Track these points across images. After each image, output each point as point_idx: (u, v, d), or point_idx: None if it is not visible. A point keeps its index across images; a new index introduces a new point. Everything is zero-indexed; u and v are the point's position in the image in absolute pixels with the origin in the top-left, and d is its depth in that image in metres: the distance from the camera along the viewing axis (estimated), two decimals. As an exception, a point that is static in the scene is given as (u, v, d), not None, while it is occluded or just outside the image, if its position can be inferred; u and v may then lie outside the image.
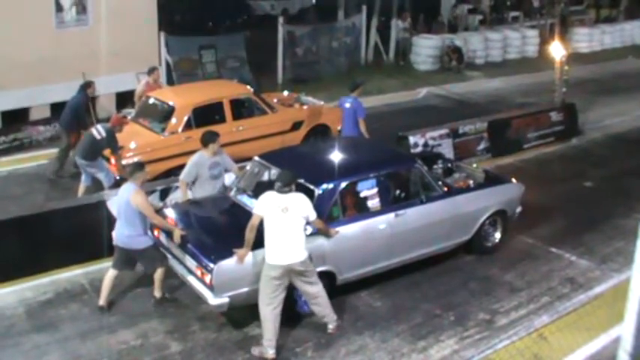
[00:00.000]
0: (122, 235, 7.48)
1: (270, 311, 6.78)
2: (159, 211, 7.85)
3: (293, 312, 7.36)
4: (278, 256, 6.73)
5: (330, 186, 7.56)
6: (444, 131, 12.33)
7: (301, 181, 7.42)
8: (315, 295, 7.05)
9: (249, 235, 6.83)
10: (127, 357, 6.89)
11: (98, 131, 9.89)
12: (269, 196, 6.88)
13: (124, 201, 7.36)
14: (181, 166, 10.11)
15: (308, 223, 6.96)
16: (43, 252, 8.26)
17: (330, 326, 7.25)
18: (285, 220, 6.73)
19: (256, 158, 8.52)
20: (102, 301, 7.62)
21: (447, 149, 11.96)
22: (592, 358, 7.00)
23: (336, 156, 8.33)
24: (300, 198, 6.88)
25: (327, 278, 7.47)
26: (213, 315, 7.57)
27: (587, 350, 7.06)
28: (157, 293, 7.75)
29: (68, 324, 7.42)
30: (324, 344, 7.11)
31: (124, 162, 9.89)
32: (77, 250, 8.47)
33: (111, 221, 8.57)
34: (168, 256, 7.65)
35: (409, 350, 7.05)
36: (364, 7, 20.76)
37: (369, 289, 8.10)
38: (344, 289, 7.83)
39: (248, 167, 8.58)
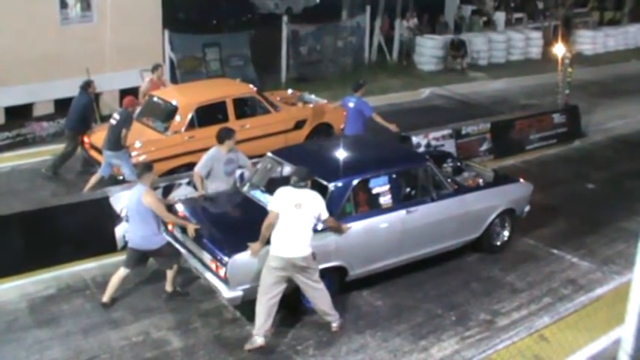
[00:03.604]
0: (136, 236, 7.51)
1: (265, 301, 6.81)
2: (170, 208, 7.87)
3: (300, 304, 7.41)
4: (281, 249, 6.77)
5: (344, 182, 7.62)
6: (446, 132, 12.33)
7: (314, 176, 7.49)
8: (317, 294, 7.08)
9: (266, 232, 6.87)
10: (129, 353, 6.91)
11: (113, 117, 10.12)
12: (284, 191, 6.93)
13: (135, 202, 7.38)
14: (185, 166, 10.20)
15: (320, 221, 7.01)
16: (46, 247, 8.29)
17: (334, 325, 7.28)
18: (296, 216, 6.78)
19: (269, 154, 8.58)
20: (105, 298, 7.64)
21: (449, 150, 11.94)
22: (592, 359, 7.01)
23: (349, 153, 8.43)
24: (314, 196, 6.93)
25: (338, 273, 7.53)
26: (215, 312, 7.61)
27: (587, 351, 7.08)
28: (169, 288, 7.80)
29: (70, 319, 7.45)
30: (325, 342, 7.13)
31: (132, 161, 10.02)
32: (80, 245, 8.49)
33: (114, 217, 8.66)
34: (183, 250, 7.70)
35: (410, 349, 7.07)
36: (368, 7, 20.78)
37: (371, 289, 8.12)
38: (346, 287, 7.85)
39: (260, 163, 8.65)
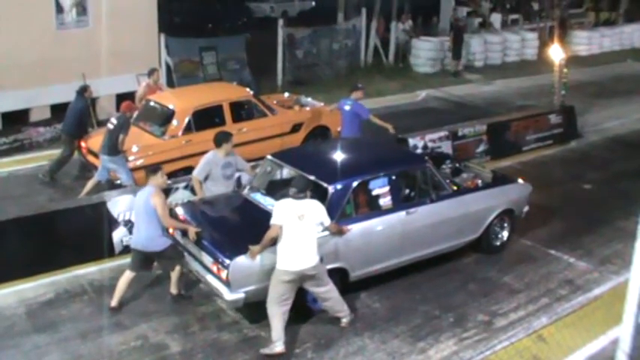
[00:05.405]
0: (141, 237, 7.49)
1: (279, 311, 6.83)
2: (170, 212, 7.85)
3: (305, 305, 7.41)
4: (291, 262, 6.76)
5: (344, 184, 7.63)
6: (443, 133, 12.35)
7: (314, 178, 7.51)
8: (327, 294, 7.12)
9: (267, 243, 6.87)
10: (127, 357, 6.90)
11: (111, 122, 10.12)
12: (285, 204, 6.91)
13: (143, 202, 7.37)
14: (182, 170, 10.20)
15: (323, 228, 7.03)
16: (43, 252, 8.28)
17: (344, 320, 7.33)
18: (301, 227, 6.78)
19: (269, 157, 8.60)
20: (114, 302, 7.63)
21: (446, 151, 11.97)
22: (591, 359, 7.02)
23: (349, 155, 8.46)
24: (315, 205, 6.94)
25: (339, 275, 7.55)
26: (213, 316, 7.61)
27: (585, 351, 7.09)
28: (174, 290, 7.80)
29: (68, 324, 7.43)
30: (323, 345, 7.12)
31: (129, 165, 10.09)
32: (77, 250, 8.48)
33: (111, 222, 8.66)
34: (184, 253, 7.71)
35: (408, 351, 7.07)
36: (364, 10, 20.81)
37: (369, 291, 8.12)
38: (343, 290, 7.84)
39: (260, 166, 8.67)
